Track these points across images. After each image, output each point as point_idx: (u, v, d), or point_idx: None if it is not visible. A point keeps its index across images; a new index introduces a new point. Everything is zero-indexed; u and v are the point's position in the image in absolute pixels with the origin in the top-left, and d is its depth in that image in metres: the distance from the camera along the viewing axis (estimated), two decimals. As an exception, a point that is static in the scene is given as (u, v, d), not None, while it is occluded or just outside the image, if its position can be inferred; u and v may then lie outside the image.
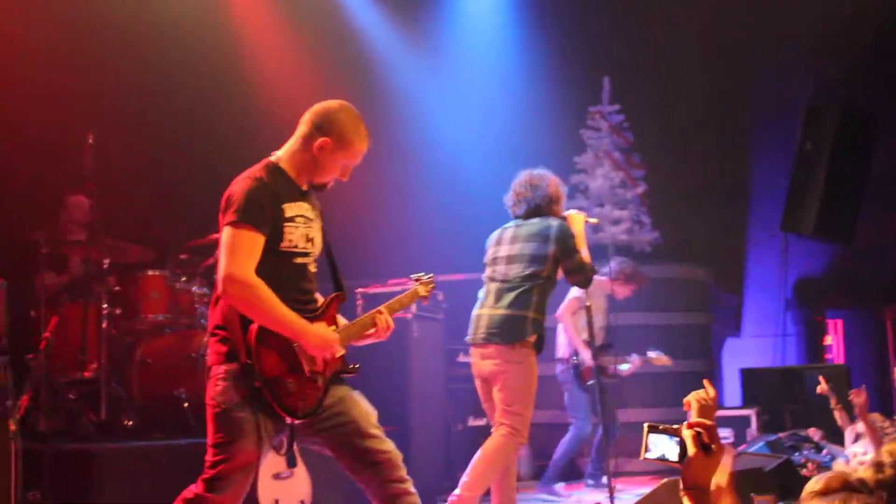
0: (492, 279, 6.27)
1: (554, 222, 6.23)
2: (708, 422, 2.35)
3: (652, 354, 8.86)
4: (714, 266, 11.62)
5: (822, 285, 11.84)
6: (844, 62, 10.71)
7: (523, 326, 6.02)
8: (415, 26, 11.07)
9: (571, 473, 8.85)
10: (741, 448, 8.41)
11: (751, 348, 12.08)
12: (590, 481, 8.82)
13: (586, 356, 8.44)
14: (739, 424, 9.30)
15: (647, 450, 2.41)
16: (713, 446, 2.33)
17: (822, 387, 7.27)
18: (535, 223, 6.26)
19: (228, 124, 9.14)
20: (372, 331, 4.32)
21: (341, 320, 4.26)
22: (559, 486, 8.50)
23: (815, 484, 2.43)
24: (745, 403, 10.16)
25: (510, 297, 6.09)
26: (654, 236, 11.24)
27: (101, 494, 5.62)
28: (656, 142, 11.43)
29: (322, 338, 3.97)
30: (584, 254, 6.19)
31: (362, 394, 4.25)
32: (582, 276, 6.19)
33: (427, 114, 10.85)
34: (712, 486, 2.39)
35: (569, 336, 8.48)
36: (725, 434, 9.26)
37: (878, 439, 5.38)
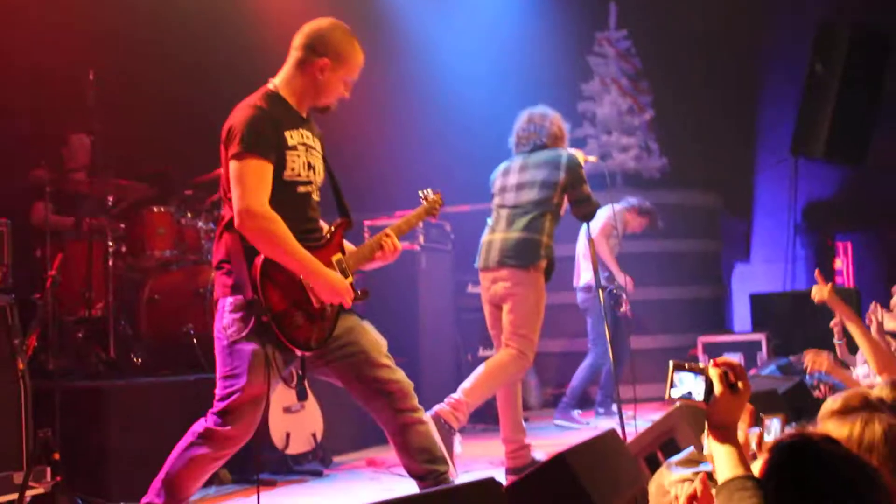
0: (501, 206, 6.23)
1: (564, 152, 6.23)
2: (734, 361, 2.30)
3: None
4: (722, 192, 11.56)
5: (831, 208, 11.75)
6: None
7: (537, 250, 6.01)
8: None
9: (583, 402, 8.86)
10: (753, 372, 8.41)
11: (760, 273, 12.04)
12: (600, 409, 8.85)
13: (623, 280, 8.43)
14: (750, 349, 9.31)
15: (672, 387, 2.36)
16: (740, 385, 2.27)
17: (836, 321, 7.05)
18: (545, 152, 6.24)
19: (229, 59, 9.01)
20: (379, 254, 4.25)
21: (348, 246, 4.20)
22: (576, 413, 8.53)
23: (833, 403, 2.38)
24: (756, 328, 10.14)
25: (523, 221, 6.06)
26: (662, 163, 11.15)
27: (111, 431, 5.62)
28: (664, 67, 11.30)
29: (331, 284, 3.90)
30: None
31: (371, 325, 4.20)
32: (588, 207, 6.16)
33: (432, 44, 10.70)
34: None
35: (605, 261, 8.42)
36: (736, 359, 9.26)
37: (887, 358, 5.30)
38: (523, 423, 6.27)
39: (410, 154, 10.62)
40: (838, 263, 11.65)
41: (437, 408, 5.66)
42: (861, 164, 10.84)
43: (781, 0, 11.46)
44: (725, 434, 2.22)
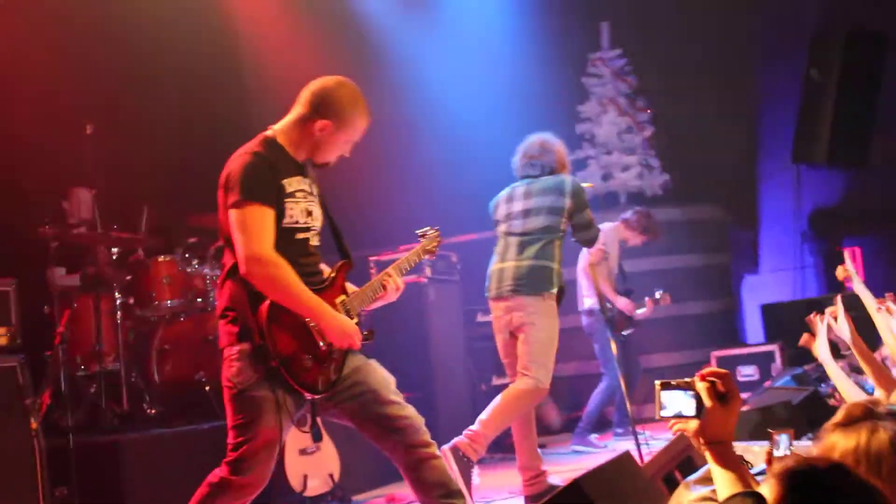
0: (509, 233, 6.24)
1: (568, 177, 6.28)
2: (721, 371, 2.26)
3: (657, 295, 8.77)
4: (728, 204, 11.54)
5: (837, 214, 11.70)
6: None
7: (550, 277, 6.04)
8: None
9: (600, 424, 8.83)
10: (767, 384, 8.37)
11: (770, 283, 11.98)
12: (618, 430, 8.82)
13: (622, 304, 8.43)
14: (764, 360, 9.25)
15: (661, 408, 2.32)
16: (729, 395, 2.23)
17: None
18: (549, 178, 6.28)
19: (226, 101, 9.05)
20: (382, 293, 4.25)
21: (351, 287, 4.21)
22: (593, 437, 8.50)
23: (836, 415, 2.34)
24: (768, 339, 10.09)
25: (533, 248, 6.08)
26: (664, 179, 11.16)
27: (129, 484, 5.62)
28: (660, 83, 11.30)
29: (341, 327, 3.91)
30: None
31: (382, 363, 4.20)
32: (589, 233, 6.24)
33: (426, 73, 10.70)
34: None
35: (598, 287, 8.39)
36: (750, 371, 9.22)
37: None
38: (538, 450, 6.27)
39: (411, 186, 10.63)
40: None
41: (455, 440, 5.67)
42: (863, 168, 10.81)
43: (775, 6, 11.46)
44: (722, 449, 2.19)
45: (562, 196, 6.13)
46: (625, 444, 7.85)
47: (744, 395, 8.60)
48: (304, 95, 4.10)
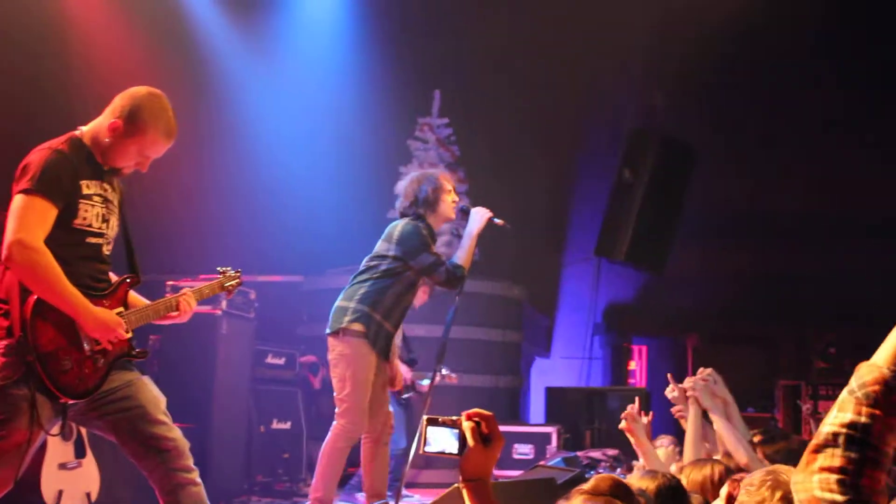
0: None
1: (402, 223, 6.24)
2: (486, 413, 2.34)
3: (444, 371, 8.82)
4: (528, 285, 11.80)
5: (630, 311, 12.16)
6: (670, 92, 11.04)
7: (343, 314, 6.02)
8: (251, 23, 10.89)
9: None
10: (541, 463, 8.56)
11: (559, 369, 12.31)
12: (388, 492, 8.81)
13: (403, 370, 8.46)
14: (540, 441, 9.46)
15: (426, 444, 2.38)
16: (492, 436, 2.32)
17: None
18: (394, 223, 6.27)
19: (41, 93, 8.77)
20: (174, 313, 4.21)
21: (141, 300, 4.14)
22: (360, 496, 8.47)
23: (586, 483, 2.46)
24: (548, 421, 10.34)
25: (346, 289, 6.14)
26: (471, 251, 11.31)
27: None
28: (481, 158, 11.54)
29: (102, 320, 3.82)
30: (462, 254, 6.34)
31: (163, 388, 4.14)
32: (437, 278, 6.23)
33: (256, 112, 10.66)
34: None
35: None
36: (526, 450, 9.41)
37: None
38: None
39: (224, 220, 10.51)
40: (632, 365, 12.04)
41: None
42: (659, 273, 11.27)
43: (600, 104, 11.90)
44: (479, 486, 2.27)
45: (390, 242, 6.15)
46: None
47: (516, 473, 8.77)
48: (116, 98, 4.05)
